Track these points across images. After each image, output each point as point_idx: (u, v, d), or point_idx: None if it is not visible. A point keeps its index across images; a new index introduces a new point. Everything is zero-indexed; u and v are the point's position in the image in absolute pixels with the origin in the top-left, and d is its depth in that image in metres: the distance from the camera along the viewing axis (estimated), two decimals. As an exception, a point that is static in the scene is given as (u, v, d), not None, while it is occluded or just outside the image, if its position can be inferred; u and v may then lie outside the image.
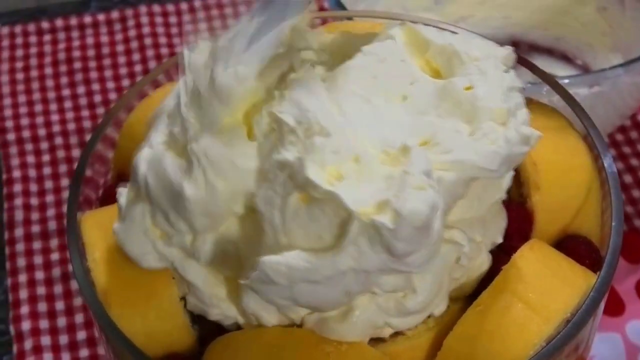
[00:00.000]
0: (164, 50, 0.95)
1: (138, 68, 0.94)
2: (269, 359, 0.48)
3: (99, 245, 0.52)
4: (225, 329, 0.51)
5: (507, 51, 0.51)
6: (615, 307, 0.74)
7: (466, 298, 0.51)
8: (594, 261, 0.52)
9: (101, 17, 0.98)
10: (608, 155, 0.54)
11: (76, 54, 0.95)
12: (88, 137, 0.86)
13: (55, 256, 0.81)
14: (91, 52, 0.96)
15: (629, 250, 0.77)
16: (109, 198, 0.56)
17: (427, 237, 0.43)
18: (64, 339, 0.76)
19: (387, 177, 0.44)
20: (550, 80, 0.58)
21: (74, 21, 0.98)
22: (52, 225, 0.83)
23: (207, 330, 0.51)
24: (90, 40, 0.96)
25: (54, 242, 0.81)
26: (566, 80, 0.69)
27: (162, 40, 0.96)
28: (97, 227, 0.53)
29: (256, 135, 0.46)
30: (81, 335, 0.76)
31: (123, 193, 0.49)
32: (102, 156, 0.58)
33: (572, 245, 0.53)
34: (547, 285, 0.50)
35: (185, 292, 0.50)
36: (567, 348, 0.48)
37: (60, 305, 0.78)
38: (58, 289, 0.79)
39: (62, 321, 0.77)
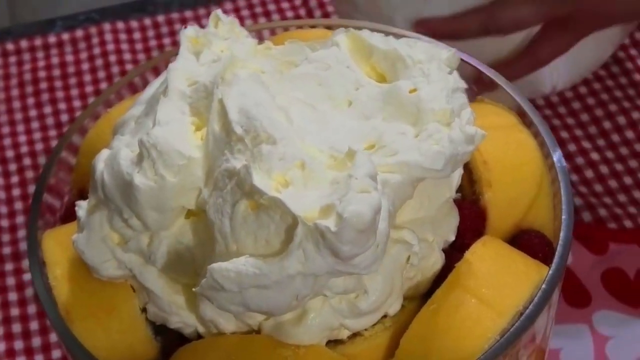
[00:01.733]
0: (129, 67, 0.95)
1: (104, 85, 0.95)
2: (229, 366, 0.48)
3: (60, 263, 0.53)
4: (187, 339, 0.51)
5: (450, 52, 0.52)
6: (582, 299, 0.75)
7: (422, 297, 0.52)
8: (547, 254, 0.53)
9: (65, 36, 0.99)
10: (557, 151, 0.55)
11: (42, 74, 0.96)
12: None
13: (27, 276, 0.81)
14: (57, 72, 0.96)
15: (594, 242, 0.78)
16: (70, 216, 0.57)
17: (372, 239, 0.43)
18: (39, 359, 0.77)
19: (332, 182, 0.45)
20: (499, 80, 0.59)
21: (38, 41, 0.98)
22: (24, 246, 0.83)
23: (169, 341, 0.52)
24: (55, 60, 0.97)
25: (26, 263, 0.82)
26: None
27: (127, 56, 0.96)
28: (57, 245, 0.54)
29: (208, 137, 0.48)
30: (56, 354, 0.77)
31: (82, 205, 0.50)
32: (61, 176, 0.58)
33: (526, 240, 0.54)
34: (500, 280, 0.50)
35: (146, 301, 0.51)
36: (522, 340, 0.49)
37: (34, 325, 0.78)
38: (32, 309, 0.79)
39: (36, 341, 0.77)
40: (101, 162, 0.49)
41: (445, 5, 0.78)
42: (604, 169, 0.84)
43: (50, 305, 0.51)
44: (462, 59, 0.54)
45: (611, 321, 0.74)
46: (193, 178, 0.47)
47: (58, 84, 0.95)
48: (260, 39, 0.56)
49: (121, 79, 0.61)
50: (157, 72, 0.60)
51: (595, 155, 0.84)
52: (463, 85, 0.51)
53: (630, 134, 0.86)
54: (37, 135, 0.91)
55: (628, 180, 0.83)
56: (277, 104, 0.48)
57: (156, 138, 0.47)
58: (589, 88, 0.89)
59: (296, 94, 0.50)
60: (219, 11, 0.54)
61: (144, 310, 0.52)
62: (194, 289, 0.46)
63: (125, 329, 0.51)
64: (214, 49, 0.52)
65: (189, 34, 0.53)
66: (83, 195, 0.55)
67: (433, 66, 0.51)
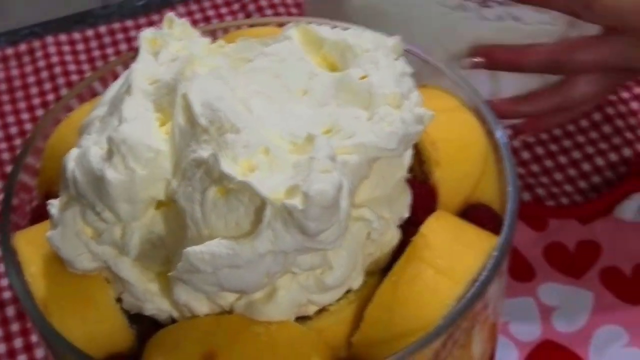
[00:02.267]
0: (75, 77, 0.97)
1: (51, 97, 0.96)
2: (204, 346, 0.51)
3: (34, 260, 0.55)
4: (162, 325, 0.53)
5: (395, 41, 0.55)
6: (526, 273, 0.79)
7: (381, 271, 0.55)
8: (495, 225, 0.56)
9: (9, 51, 1.01)
10: (499, 128, 0.59)
11: (-12, 89, 0.98)
12: (8, 168, 0.89)
13: (7, 295, 0.83)
14: (3, 87, 0.98)
15: (535, 219, 0.82)
16: (38, 218, 0.59)
17: (335, 215, 0.47)
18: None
19: (295, 165, 0.48)
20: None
21: (-18, 58, 1.00)
22: None
23: (145, 328, 0.54)
24: (1, 75, 0.99)
25: (4, 282, 0.84)
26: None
27: (72, 67, 0.98)
28: (30, 244, 0.56)
29: (173, 131, 0.50)
30: (39, 353, 0.79)
31: (54, 203, 0.52)
32: (27, 181, 0.60)
33: (475, 214, 0.57)
34: (453, 250, 0.54)
35: (120, 291, 0.53)
36: (476, 306, 0.52)
37: (18, 343, 0.80)
38: (10, 311, 0.81)
39: (18, 342, 0.80)
40: (71, 161, 0.51)
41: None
42: (539, 150, 0.88)
43: (29, 301, 0.53)
44: (406, 50, 0.57)
45: (555, 293, 0.78)
46: (161, 170, 0.50)
47: (5, 97, 0.97)
48: (213, 39, 0.59)
49: (79, 85, 0.63)
50: (114, 75, 0.62)
51: (530, 138, 0.89)
52: (410, 70, 0.54)
53: (562, 116, 0.90)
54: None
55: (563, 159, 0.87)
56: (237, 96, 0.51)
57: (124, 134, 0.49)
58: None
59: (254, 87, 0.52)
60: (171, 14, 0.57)
61: (118, 300, 0.54)
62: (169, 274, 0.49)
63: (102, 318, 0.53)
64: (170, 49, 0.55)
65: (147, 36, 0.56)
66: (49, 198, 0.57)
67: (380, 54, 0.54)
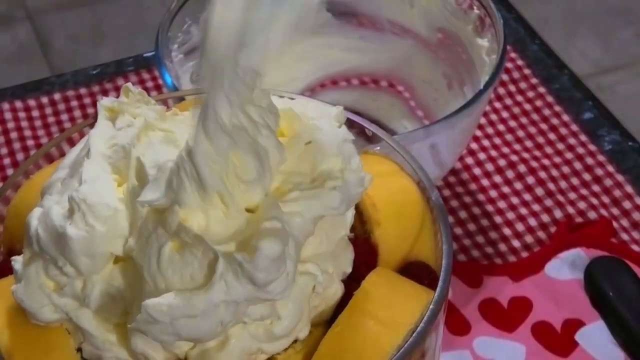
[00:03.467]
0: (30, 142, 1.01)
1: (7, 161, 1.00)
2: (161, 392, 0.54)
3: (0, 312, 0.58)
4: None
5: (338, 110, 0.60)
6: (462, 328, 0.83)
7: (325, 323, 0.58)
8: (431, 281, 0.60)
9: (-34, 116, 1.04)
10: (435, 191, 0.63)
11: (-54, 154, 1.01)
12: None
13: None
14: (-40, 151, 1.01)
15: (470, 277, 0.86)
16: (1, 274, 0.62)
17: (282, 267, 0.51)
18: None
19: (247, 221, 0.52)
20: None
21: (-60, 125, 1.03)
22: None
23: (104, 377, 0.57)
24: (-44, 139, 1.02)
25: None
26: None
27: (27, 133, 1.02)
28: (-6, 298, 0.59)
29: (128, 192, 0.54)
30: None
31: (18, 259, 0.56)
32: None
33: (413, 270, 0.61)
34: (393, 302, 0.57)
35: (81, 341, 0.57)
36: (415, 355, 0.56)
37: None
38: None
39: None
40: (35, 219, 0.55)
41: None
42: (476, 210, 0.93)
43: (-7, 352, 0.57)
44: (348, 117, 0.62)
45: (490, 346, 0.82)
46: (119, 227, 0.54)
47: (-37, 162, 1.00)
48: (167, 108, 0.63)
49: (37, 151, 0.67)
50: (71, 142, 0.66)
51: (467, 199, 0.94)
52: (351, 137, 0.59)
53: (497, 179, 0.96)
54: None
55: (498, 219, 0.92)
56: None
57: (85, 194, 0.53)
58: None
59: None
60: (129, 84, 0.61)
61: (78, 350, 0.57)
62: (129, 325, 0.52)
63: (64, 366, 0.57)
64: (127, 116, 0.59)
65: (105, 104, 0.60)
66: (11, 254, 0.60)
67: (324, 122, 0.58)
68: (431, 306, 0.57)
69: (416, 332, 0.56)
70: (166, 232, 0.52)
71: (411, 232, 0.62)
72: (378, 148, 0.66)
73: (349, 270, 0.60)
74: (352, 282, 0.59)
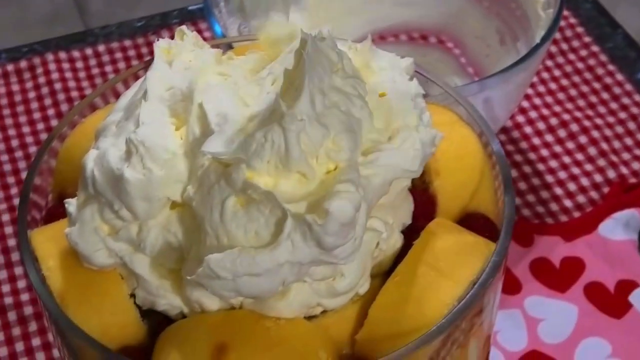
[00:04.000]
0: (75, 93, 1.00)
1: (51, 112, 0.99)
2: (215, 337, 0.53)
3: (52, 255, 0.57)
4: (172, 321, 0.56)
5: (409, 62, 0.57)
6: (513, 287, 0.82)
7: (383, 274, 0.57)
8: (491, 233, 0.58)
9: (10, 67, 1.03)
10: (496, 140, 0.61)
11: (-10, 103, 1.00)
12: (9, 179, 0.92)
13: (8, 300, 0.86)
14: (4, 101, 1.00)
15: (521, 236, 0.85)
16: (52, 217, 0.61)
17: (351, 233, 0.49)
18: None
19: (319, 180, 0.50)
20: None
21: (-17, 73, 1.03)
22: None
23: (156, 323, 0.56)
24: (2, 90, 1.01)
25: (5, 288, 0.86)
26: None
27: (72, 84, 1.01)
28: (47, 240, 0.58)
29: (187, 137, 0.53)
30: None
31: (72, 202, 0.55)
32: (42, 182, 0.63)
33: (472, 222, 0.60)
34: (454, 253, 0.56)
35: (134, 287, 0.56)
36: (476, 307, 0.55)
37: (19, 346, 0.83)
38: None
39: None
40: (90, 161, 0.54)
41: None
42: (527, 169, 0.91)
43: (45, 293, 0.55)
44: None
45: (541, 305, 0.81)
46: (177, 172, 0.52)
47: (6, 112, 0.99)
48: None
49: (93, 92, 0.66)
50: (126, 84, 0.65)
51: (518, 157, 0.92)
52: (422, 91, 0.56)
53: (549, 137, 0.94)
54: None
55: (550, 178, 0.90)
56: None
57: (143, 135, 0.52)
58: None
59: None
60: (183, 27, 0.59)
61: (131, 296, 0.56)
62: (188, 277, 0.51)
63: (116, 311, 0.55)
64: (183, 58, 0.58)
65: (161, 45, 0.58)
66: (62, 199, 0.59)
67: (396, 73, 0.56)
68: (493, 258, 0.56)
69: (478, 283, 0.55)
70: (230, 187, 0.50)
71: (470, 183, 0.61)
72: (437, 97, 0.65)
73: (409, 221, 0.58)
74: (410, 233, 0.58)
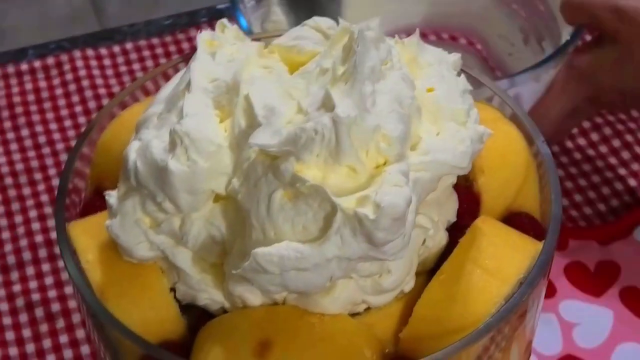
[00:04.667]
0: (102, 91, 0.99)
1: (78, 108, 0.98)
2: (259, 332, 0.52)
3: (91, 248, 0.56)
4: (212, 317, 0.55)
5: (456, 57, 0.57)
6: (548, 290, 0.81)
7: (427, 272, 0.56)
8: (537, 232, 0.58)
9: (37, 63, 1.02)
10: (541, 138, 0.61)
11: (17, 99, 0.99)
12: (37, 176, 0.91)
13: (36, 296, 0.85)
14: (31, 97, 1.00)
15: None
16: (90, 210, 0.60)
17: (402, 228, 0.48)
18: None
19: (368, 175, 0.49)
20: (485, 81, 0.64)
21: (11, 69, 1.02)
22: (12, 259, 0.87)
23: (195, 319, 0.55)
24: (29, 86, 1.01)
25: (33, 284, 0.86)
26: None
27: (99, 81, 1.00)
28: (84, 234, 0.57)
29: (233, 130, 0.52)
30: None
31: (112, 194, 0.54)
32: (80, 174, 0.62)
33: (517, 221, 0.59)
34: (501, 252, 0.55)
35: (175, 281, 0.55)
36: (523, 306, 0.54)
37: (47, 343, 0.82)
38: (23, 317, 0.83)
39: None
40: (133, 152, 0.53)
41: None
42: (559, 172, 0.90)
43: (84, 286, 0.55)
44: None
45: (576, 310, 0.80)
46: (222, 164, 0.51)
47: (33, 108, 0.99)
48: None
49: (132, 84, 0.65)
50: (166, 77, 0.64)
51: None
52: (469, 87, 0.56)
53: (582, 141, 0.93)
54: (16, 157, 0.94)
55: (583, 182, 0.89)
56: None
57: (188, 127, 0.51)
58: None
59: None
60: (224, 20, 0.59)
61: (172, 290, 0.55)
62: (233, 271, 0.50)
63: (157, 305, 0.55)
64: (226, 50, 0.57)
65: (204, 37, 0.57)
66: (99, 192, 0.58)
67: (443, 68, 0.55)
68: (541, 256, 0.55)
69: (525, 282, 0.54)
70: (277, 180, 0.49)
71: (515, 181, 0.60)
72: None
73: (454, 219, 0.58)
74: (454, 231, 0.57)
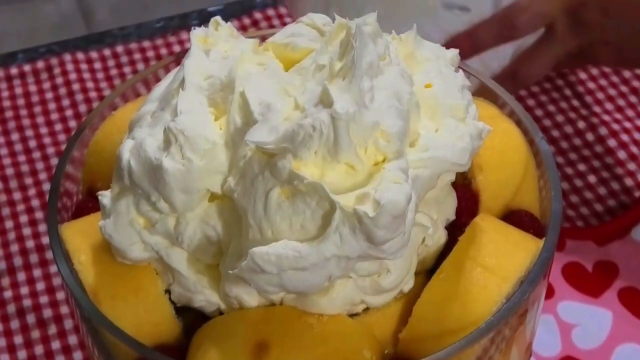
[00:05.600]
0: (93, 94, 0.98)
1: (69, 112, 0.97)
2: (256, 334, 0.51)
3: (83, 249, 0.55)
4: (207, 319, 0.54)
5: (454, 53, 0.56)
6: (546, 291, 0.80)
7: (426, 271, 0.56)
8: (537, 230, 0.57)
9: (27, 67, 1.01)
10: (540, 134, 0.60)
11: (6, 103, 0.98)
12: (27, 180, 0.90)
13: (27, 302, 0.84)
14: (21, 101, 0.99)
15: (553, 240, 0.83)
16: (82, 211, 0.59)
17: (402, 226, 0.47)
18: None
19: (367, 172, 0.48)
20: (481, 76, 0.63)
21: (0, 74, 1.01)
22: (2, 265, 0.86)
23: (190, 321, 0.54)
24: (19, 90, 0.99)
25: (24, 290, 0.84)
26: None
27: (90, 84, 0.99)
28: (77, 235, 0.56)
29: (228, 127, 0.51)
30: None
31: (106, 194, 0.52)
32: (72, 175, 0.61)
33: (516, 218, 0.58)
34: (501, 249, 0.54)
35: (170, 282, 0.54)
36: (522, 306, 0.53)
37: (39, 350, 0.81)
38: (15, 324, 0.81)
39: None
40: (126, 151, 0.51)
41: None
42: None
43: (77, 288, 0.53)
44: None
45: (574, 311, 0.79)
46: (217, 162, 0.50)
47: (23, 112, 0.98)
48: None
49: (122, 84, 0.64)
50: (156, 77, 0.63)
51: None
52: (468, 83, 0.55)
53: (577, 141, 0.92)
54: (7, 161, 0.93)
55: (579, 182, 0.89)
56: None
57: (182, 124, 0.50)
58: (536, 100, 0.95)
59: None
60: (218, 17, 0.58)
61: (166, 292, 0.54)
62: (230, 272, 0.49)
63: (151, 307, 0.54)
64: (220, 48, 0.56)
65: (198, 34, 0.56)
66: (91, 193, 0.57)
67: (441, 64, 0.54)
68: (543, 254, 0.54)
69: (527, 280, 0.53)
70: (274, 178, 0.48)
71: (514, 179, 0.59)
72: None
73: (453, 217, 0.57)
74: (453, 229, 0.56)
